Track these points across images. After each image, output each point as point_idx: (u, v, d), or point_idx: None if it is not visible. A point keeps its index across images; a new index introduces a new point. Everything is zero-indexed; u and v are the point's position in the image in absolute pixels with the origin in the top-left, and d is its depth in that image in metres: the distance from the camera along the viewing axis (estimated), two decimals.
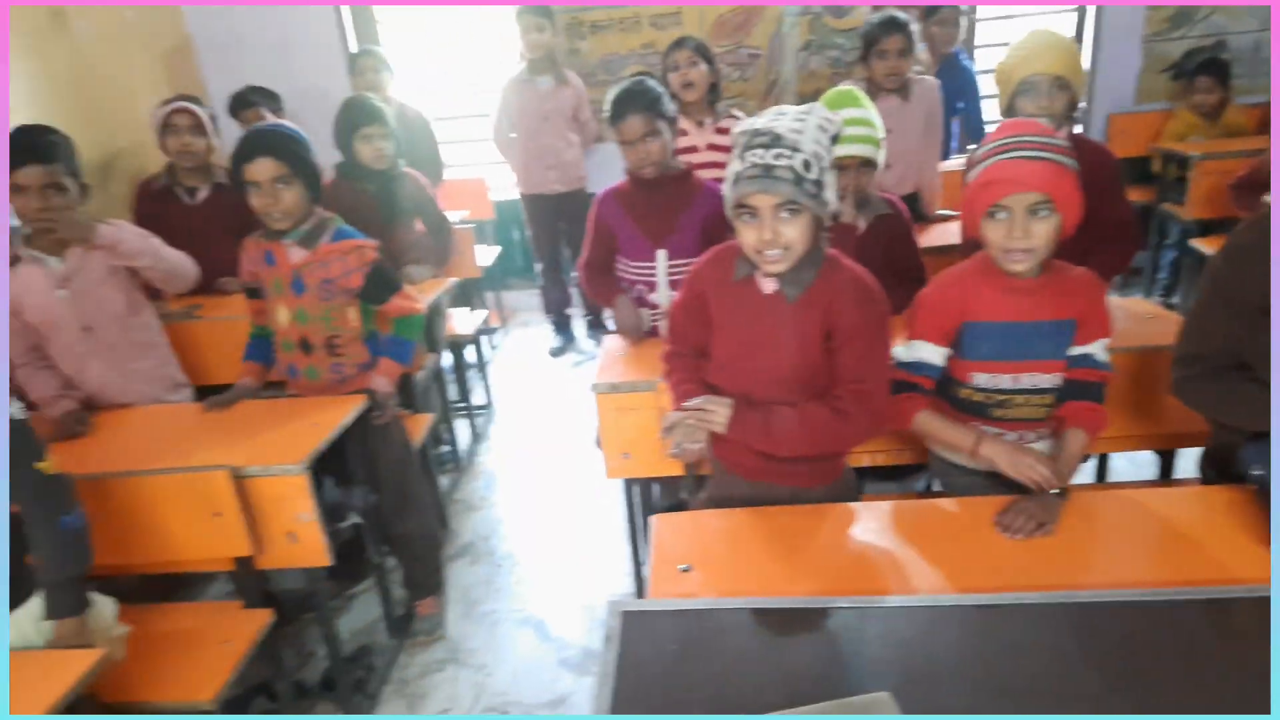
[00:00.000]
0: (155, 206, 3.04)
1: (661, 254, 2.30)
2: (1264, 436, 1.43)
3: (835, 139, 1.44)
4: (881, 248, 2.15)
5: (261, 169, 2.01)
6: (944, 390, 1.69)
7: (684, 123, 3.12)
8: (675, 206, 2.30)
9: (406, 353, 2.31)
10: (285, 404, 2.20)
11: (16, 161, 2.05)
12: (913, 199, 3.04)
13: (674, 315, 1.72)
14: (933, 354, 1.63)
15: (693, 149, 3.09)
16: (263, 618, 1.92)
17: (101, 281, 2.25)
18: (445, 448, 3.36)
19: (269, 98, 3.78)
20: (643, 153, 2.22)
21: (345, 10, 4.55)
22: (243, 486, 1.85)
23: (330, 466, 2.13)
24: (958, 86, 3.70)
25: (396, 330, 2.29)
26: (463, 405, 3.63)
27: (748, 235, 1.44)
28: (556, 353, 4.38)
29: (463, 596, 2.61)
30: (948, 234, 2.82)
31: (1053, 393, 1.61)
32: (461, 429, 3.58)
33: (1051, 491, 1.47)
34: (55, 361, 2.26)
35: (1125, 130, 4.29)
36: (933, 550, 1.41)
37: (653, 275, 2.33)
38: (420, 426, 2.67)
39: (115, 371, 2.29)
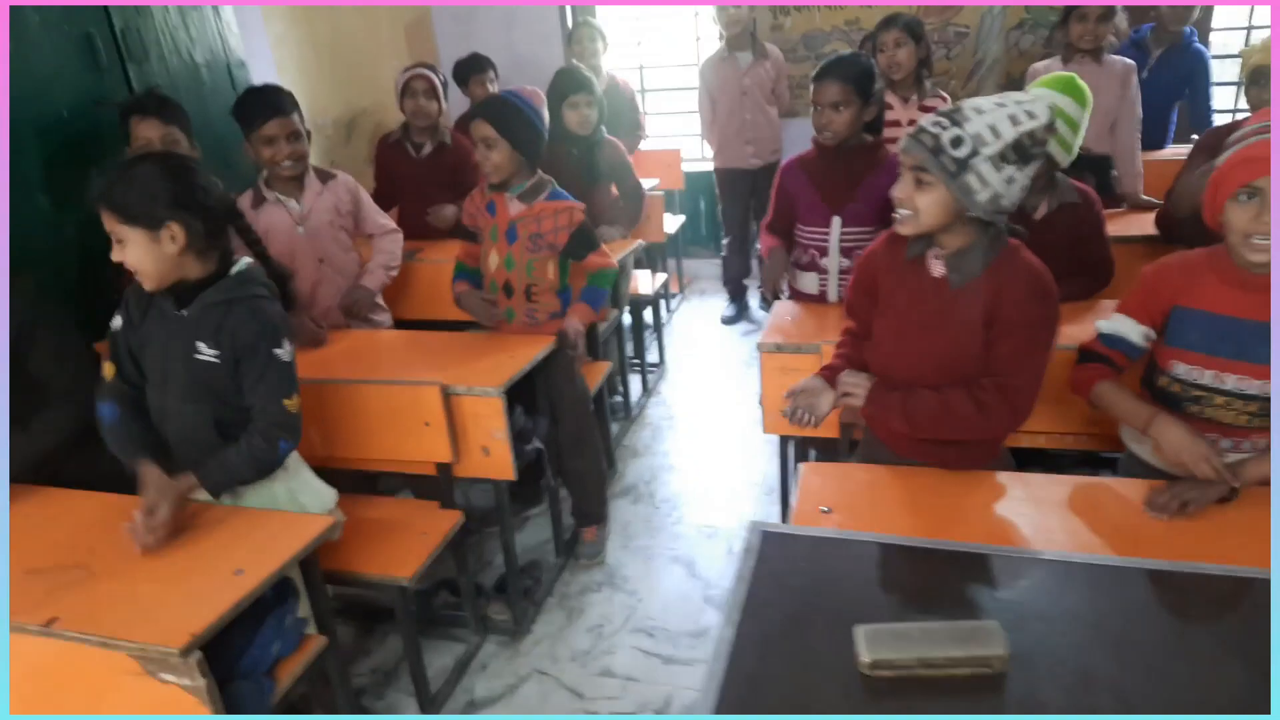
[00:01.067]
0: (389, 157, 3.48)
1: (836, 220, 2.40)
2: None
3: (1039, 135, 1.44)
4: (1064, 237, 2.13)
5: (477, 130, 2.33)
6: (1147, 380, 1.67)
7: (890, 98, 3.17)
8: (857, 175, 2.38)
9: (599, 300, 2.56)
10: (489, 338, 2.49)
11: (264, 116, 2.41)
12: (1104, 163, 2.97)
13: (848, 293, 1.83)
14: (1132, 330, 1.61)
15: (896, 123, 3.13)
16: (455, 517, 2.22)
17: (329, 223, 2.62)
18: (618, 397, 3.61)
19: (483, 66, 4.14)
20: (827, 119, 2.31)
21: None
22: (449, 402, 2.15)
23: (522, 397, 2.41)
24: (1186, 71, 3.48)
25: (591, 281, 2.53)
26: (637, 361, 3.86)
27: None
28: (729, 320, 4.54)
29: (622, 530, 2.84)
30: (1144, 224, 2.72)
31: (1260, 401, 1.50)
32: (634, 382, 3.83)
33: (1217, 485, 1.43)
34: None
35: None
36: (1068, 519, 1.46)
37: (826, 240, 2.43)
38: (599, 373, 2.91)
39: (339, 296, 2.66)
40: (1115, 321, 1.64)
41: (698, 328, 4.58)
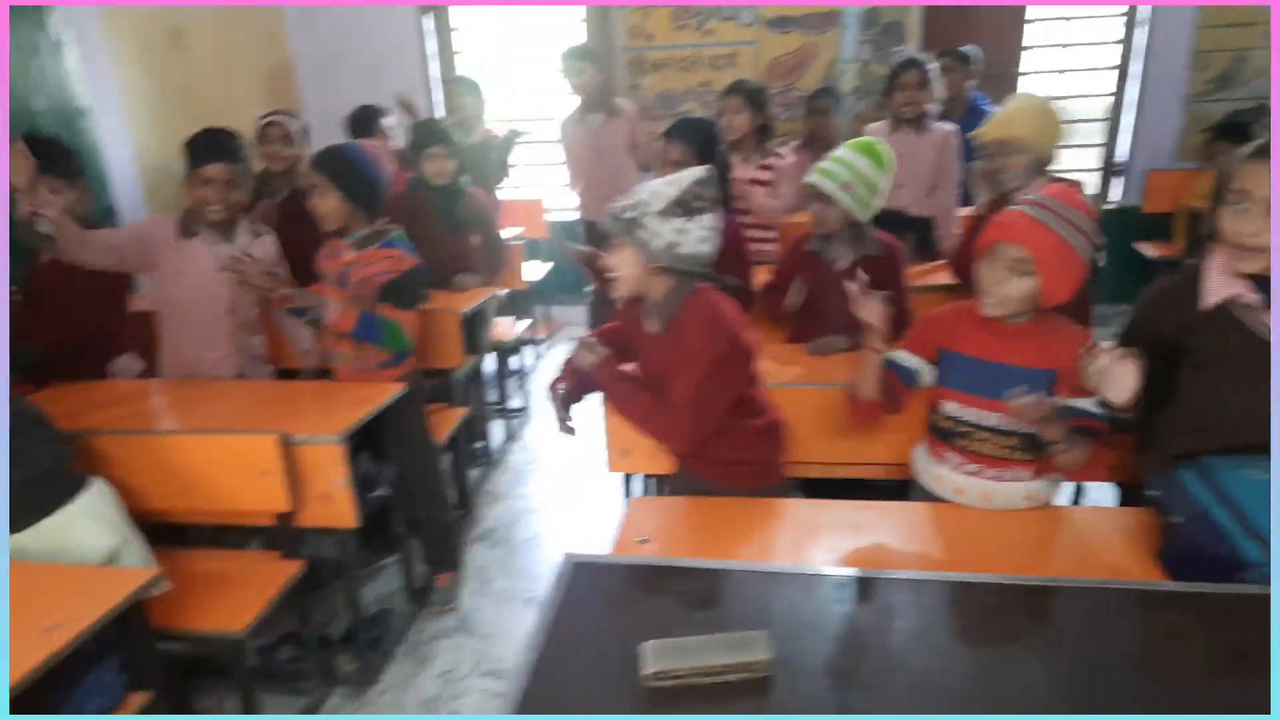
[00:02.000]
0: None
1: None
2: (1164, 465, 1.59)
3: (698, 189, 1.65)
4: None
5: (308, 178, 2.47)
6: (930, 418, 1.84)
7: (733, 157, 3.39)
8: None
9: (373, 330, 2.43)
10: (332, 385, 2.51)
11: (207, 158, 2.44)
12: (926, 224, 3.29)
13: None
14: (907, 359, 1.80)
15: (734, 180, 3.35)
16: (294, 567, 2.21)
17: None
18: (480, 443, 3.64)
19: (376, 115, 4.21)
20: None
21: (430, 39, 4.96)
22: (289, 451, 2.15)
23: (369, 442, 2.43)
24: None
25: (386, 323, 2.46)
26: (500, 406, 3.91)
27: None
28: None
29: (479, 575, 2.87)
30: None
31: (1017, 438, 1.68)
32: (498, 428, 3.87)
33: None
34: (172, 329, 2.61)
35: (1161, 186, 4.38)
36: (847, 539, 1.61)
37: None
38: (454, 419, 2.96)
39: (236, 351, 2.63)
40: (893, 352, 1.83)
41: None
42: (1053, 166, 2.51)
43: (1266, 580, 1.27)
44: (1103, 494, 2.79)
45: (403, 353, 2.57)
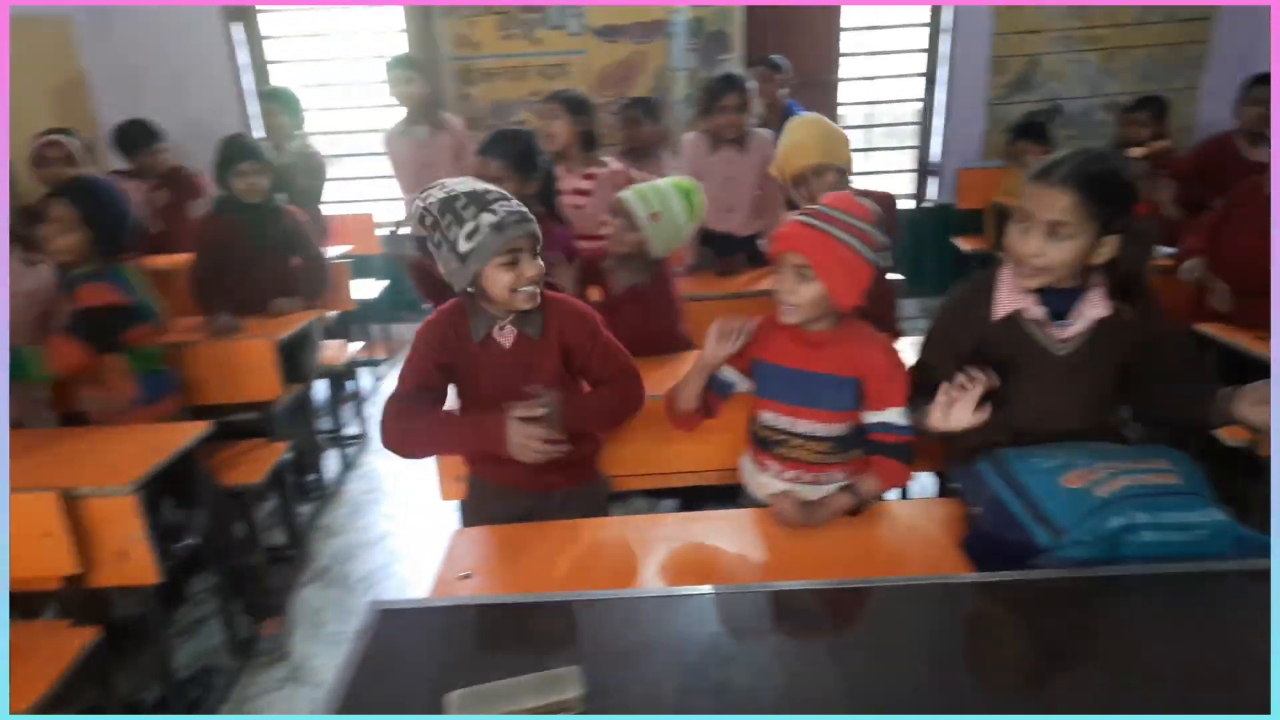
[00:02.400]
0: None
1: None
2: (965, 458, 1.66)
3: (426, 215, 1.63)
4: (631, 315, 2.30)
5: (52, 209, 2.30)
6: (751, 428, 1.84)
7: (558, 167, 3.35)
8: None
9: (158, 386, 2.44)
10: (120, 430, 2.28)
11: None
12: (754, 239, 3.37)
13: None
14: (728, 373, 1.80)
15: (559, 192, 3.30)
16: (88, 635, 1.99)
17: None
18: (312, 476, 3.43)
19: (154, 133, 3.88)
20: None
21: (241, 49, 4.67)
22: (73, 507, 1.93)
23: (173, 487, 2.23)
24: None
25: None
26: (335, 434, 3.71)
27: None
28: None
29: (312, 618, 2.69)
30: None
31: (830, 442, 1.70)
32: (335, 457, 3.67)
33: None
34: None
35: (972, 184, 4.66)
36: (688, 553, 1.59)
37: None
38: (273, 455, 2.76)
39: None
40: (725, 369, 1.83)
41: None
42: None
43: (1056, 564, 1.34)
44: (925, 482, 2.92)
45: (158, 389, 2.41)
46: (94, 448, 2.18)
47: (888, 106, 5.07)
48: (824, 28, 4.70)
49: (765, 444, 1.78)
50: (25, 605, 2.29)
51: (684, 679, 1.17)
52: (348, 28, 4.80)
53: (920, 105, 4.93)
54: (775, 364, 1.72)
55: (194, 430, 2.26)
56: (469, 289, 1.66)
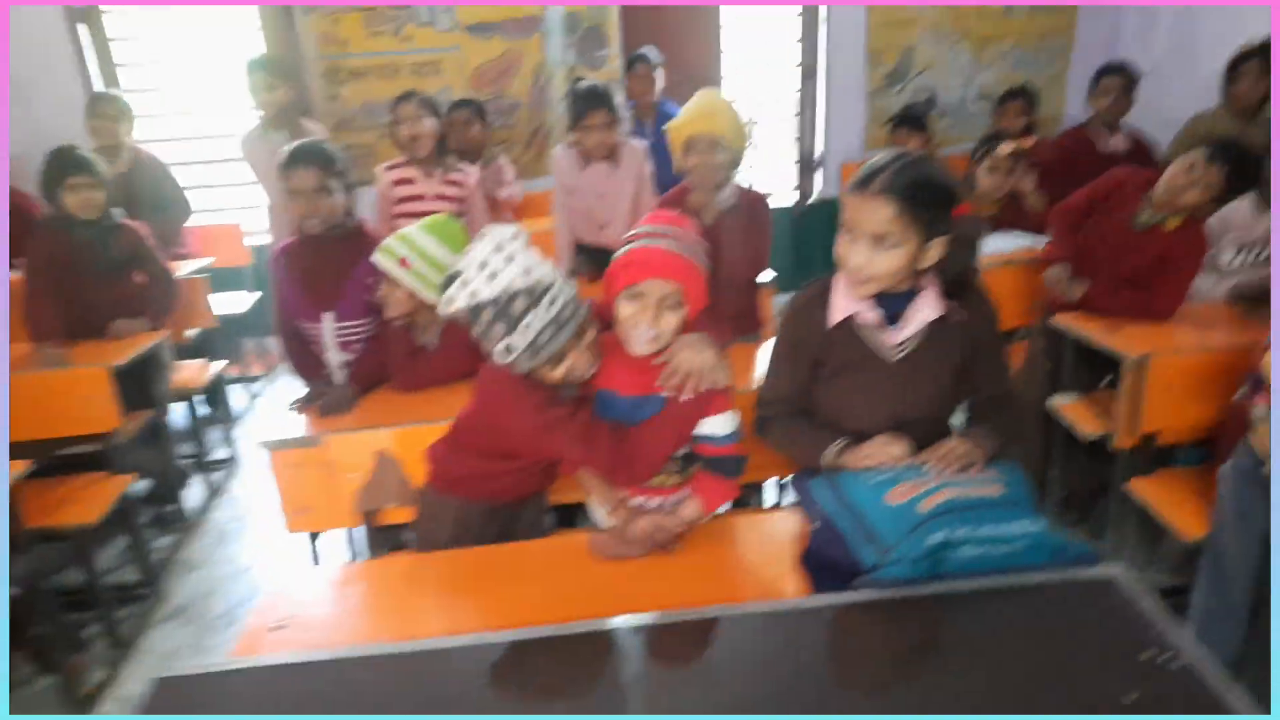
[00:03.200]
0: None
1: (328, 318, 2.29)
2: (811, 471, 1.62)
3: None
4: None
5: None
6: None
7: (412, 172, 3.21)
8: (343, 267, 2.29)
9: None
10: None
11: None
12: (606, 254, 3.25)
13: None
14: None
15: (419, 197, 3.17)
16: None
17: None
18: (170, 506, 3.23)
19: None
20: (310, 207, 2.25)
21: (89, 54, 4.36)
22: None
23: None
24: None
25: None
26: (198, 459, 3.50)
27: None
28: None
29: (163, 661, 2.51)
30: None
31: (672, 460, 1.63)
32: (200, 484, 3.47)
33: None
34: None
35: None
36: (520, 589, 1.50)
37: (324, 338, 2.31)
38: (114, 491, 2.57)
39: None
40: None
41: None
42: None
43: (879, 585, 1.30)
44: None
45: None
46: None
47: (771, 102, 5.06)
48: (703, 24, 4.66)
49: None
50: None
51: None
52: (200, 26, 4.53)
53: (798, 99, 4.94)
54: (612, 393, 1.62)
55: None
56: None
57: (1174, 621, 1.20)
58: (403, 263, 2.08)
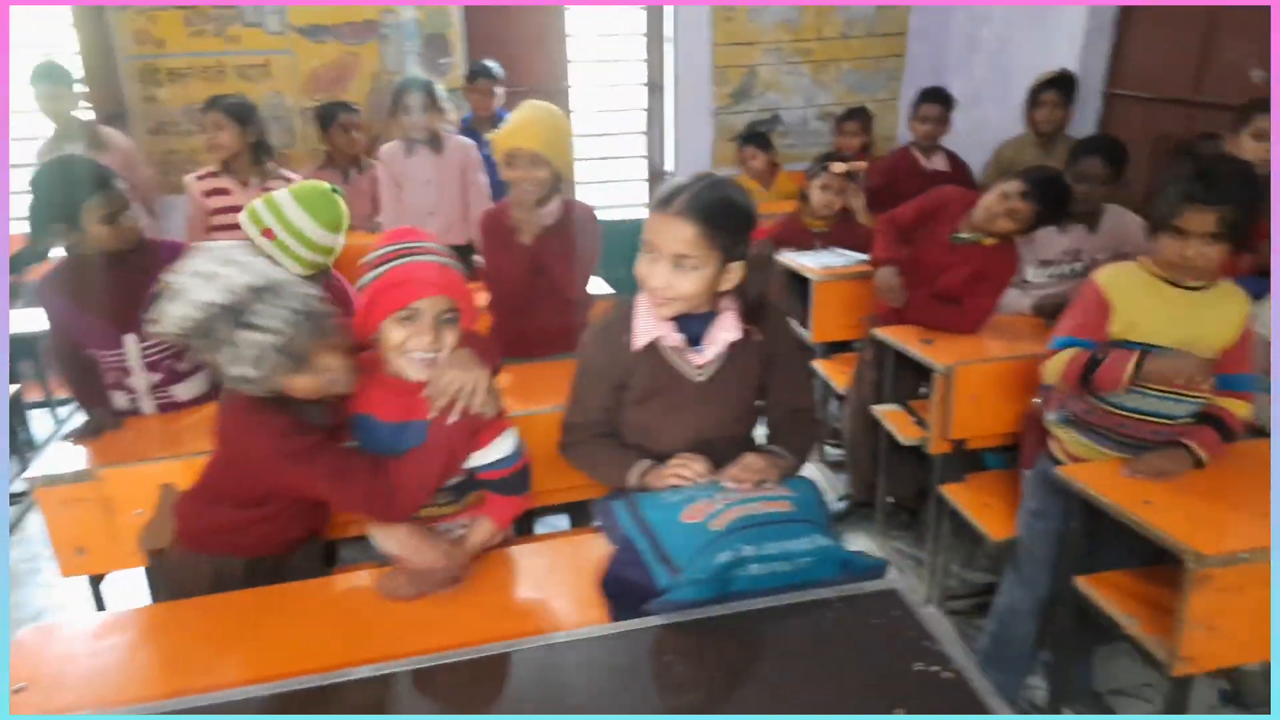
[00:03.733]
0: None
1: (129, 340, 2.11)
2: (616, 493, 1.59)
3: None
4: None
5: None
6: None
7: (227, 181, 3.02)
8: (139, 283, 2.00)
9: None
10: None
11: None
12: (467, 250, 3.20)
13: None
14: None
15: (236, 209, 2.98)
16: None
17: None
18: None
19: None
20: (95, 232, 2.01)
21: None
22: None
23: None
24: None
25: None
26: None
27: None
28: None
29: None
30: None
31: (444, 491, 1.57)
32: None
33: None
34: None
35: None
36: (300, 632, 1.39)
37: (127, 362, 2.13)
38: None
39: None
40: None
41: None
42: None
43: (669, 607, 1.27)
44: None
45: None
46: None
47: (618, 116, 5.08)
48: (548, 33, 4.63)
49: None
50: None
51: None
52: (15, 25, 4.13)
53: (647, 115, 4.98)
54: (370, 417, 1.53)
55: None
56: None
57: (948, 632, 1.23)
58: (266, 233, 1.97)
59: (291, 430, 1.43)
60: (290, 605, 1.46)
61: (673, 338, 1.58)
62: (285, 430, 1.43)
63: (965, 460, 2.48)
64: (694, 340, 1.59)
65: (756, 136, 4.42)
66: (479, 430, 1.49)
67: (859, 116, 4.32)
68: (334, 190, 2.09)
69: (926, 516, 2.85)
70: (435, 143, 3.27)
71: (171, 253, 2.02)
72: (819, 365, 3.29)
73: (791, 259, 3.36)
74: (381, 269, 1.44)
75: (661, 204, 1.47)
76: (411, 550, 1.46)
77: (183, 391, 2.21)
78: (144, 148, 4.05)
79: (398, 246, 1.45)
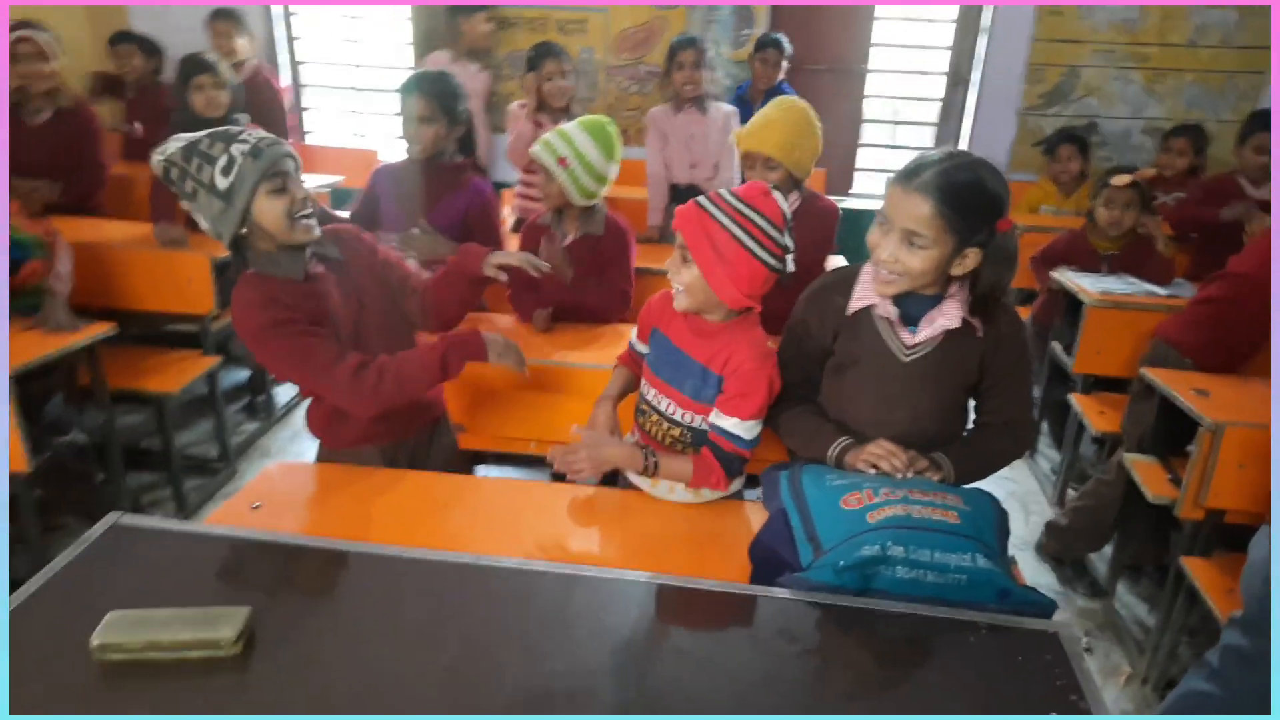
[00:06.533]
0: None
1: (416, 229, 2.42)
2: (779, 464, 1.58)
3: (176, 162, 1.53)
4: (586, 260, 2.34)
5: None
6: None
7: (543, 117, 3.32)
8: (438, 191, 2.42)
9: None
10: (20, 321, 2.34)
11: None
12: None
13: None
14: (638, 344, 1.80)
15: None
16: None
17: None
18: (260, 396, 3.52)
19: (146, 43, 4.02)
20: (413, 134, 2.36)
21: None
22: None
23: (68, 384, 2.29)
24: None
25: None
26: None
27: None
28: None
29: None
30: None
31: (683, 430, 1.65)
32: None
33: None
34: None
35: None
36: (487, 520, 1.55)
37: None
38: (196, 369, 2.83)
39: None
40: (632, 338, 1.83)
41: None
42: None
43: (802, 586, 1.25)
44: None
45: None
46: None
47: (914, 104, 4.85)
48: (856, 13, 4.51)
49: (637, 414, 1.76)
50: None
51: (387, 641, 1.14)
52: None
53: (940, 106, 4.71)
54: (663, 336, 1.68)
55: (91, 330, 2.30)
56: (242, 232, 1.57)
57: (1098, 689, 1.10)
58: (561, 161, 2.20)
59: (268, 304, 1.56)
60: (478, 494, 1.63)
61: (887, 308, 1.52)
62: (263, 303, 1.56)
63: (1216, 533, 2.15)
64: (911, 321, 1.53)
65: (1074, 137, 4.03)
66: (469, 356, 1.66)
67: (1191, 134, 3.80)
68: (611, 122, 2.31)
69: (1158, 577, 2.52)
70: (701, 104, 3.39)
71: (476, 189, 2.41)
72: (1076, 401, 2.97)
73: (1069, 278, 3.07)
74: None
75: (905, 176, 1.40)
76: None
77: None
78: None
79: (724, 195, 1.57)
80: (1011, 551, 1.43)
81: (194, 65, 2.99)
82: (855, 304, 1.55)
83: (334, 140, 5.06)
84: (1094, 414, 2.88)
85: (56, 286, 2.36)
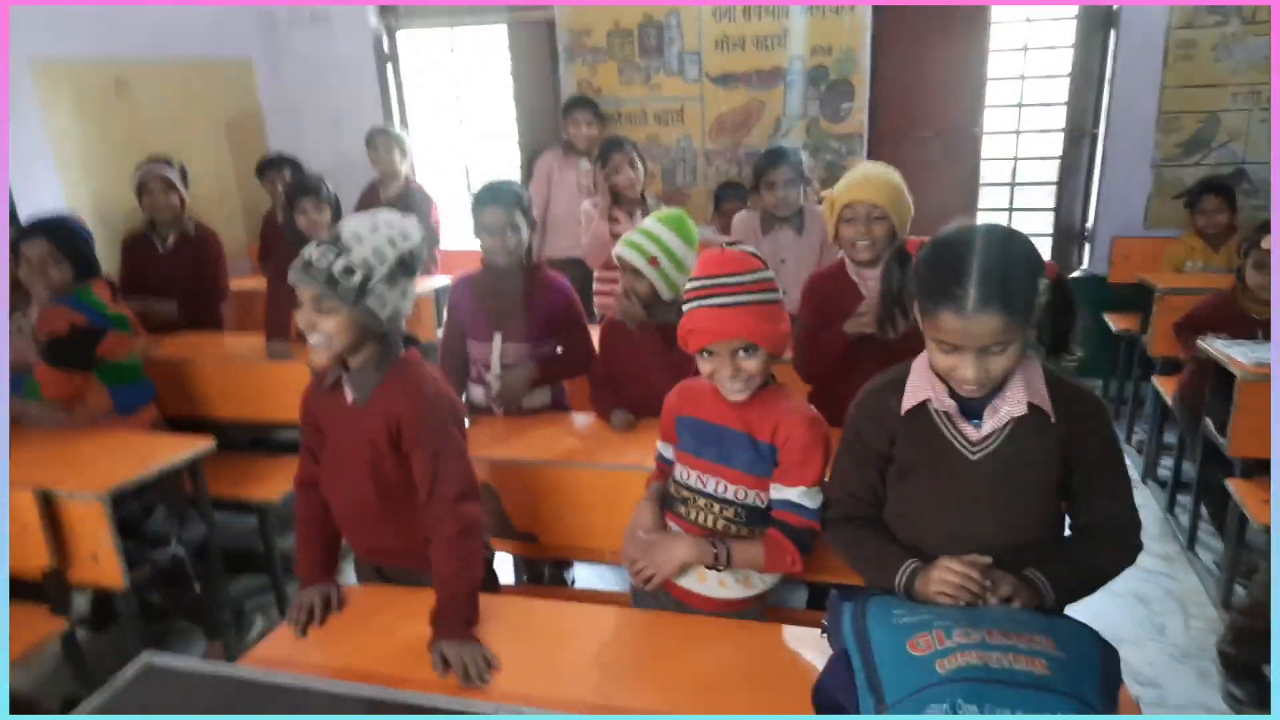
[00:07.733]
0: (135, 254, 3.52)
1: (497, 337, 2.43)
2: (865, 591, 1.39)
3: (416, 252, 1.56)
4: (660, 355, 2.24)
5: (33, 248, 2.48)
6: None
7: (617, 212, 3.30)
8: (520, 296, 2.42)
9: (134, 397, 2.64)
10: (117, 435, 2.47)
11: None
12: None
13: None
14: (663, 448, 1.74)
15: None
16: (58, 624, 2.14)
17: None
18: None
19: (289, 164, 4.26)
20: (497, 245, 2.38)
21: (391, 88, 5.04)
22: (51, 506, 2.10)
23: (168, 496, 2.38)
24: None
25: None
26: None
27: None
28: None
29: None
30: None
31: (737, 509, 1.56)
32: None
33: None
34: None
35: (1129, 255, 4.07)
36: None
37: (489, 356, 2.45)
38: None
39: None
40: (659, 444, 1.76)
41: None
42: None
43: None
44: None
45: (134, 400, 2.60)
46: (82, 452, 2.35)
47: (1033, 164, 4.56)
48: (966, 76, 4.32)
49: (671, 503, 1.66)
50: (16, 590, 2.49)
51: None
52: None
53: (1059, 164, 4.39)
54: (695, 419, 1.61)
55: (191, 445, 2.39)
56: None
57: None
58: (653, 261, 2.19)
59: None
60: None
61: (944, 400, 1.34)
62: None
63: None
64: (973, 415, 1.34)
65: (1220, 186, 3.67)
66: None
67: None
68: (687, 214, 2.29)
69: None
70: (796, 220, 2.99)
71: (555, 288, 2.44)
72: (1234, 488, 2.59)
73: (1216, 347, 2.72)
74: (688, 305, 1.53)
75: (954, 302, 1.21)
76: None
77: (529, 401, 2.46)
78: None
79: (697, 285, 1.52)
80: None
81: (298, 189, 3.17)
82: (909, 400, 1.38)
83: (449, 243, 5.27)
84: (1255, 503, 2.50)
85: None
